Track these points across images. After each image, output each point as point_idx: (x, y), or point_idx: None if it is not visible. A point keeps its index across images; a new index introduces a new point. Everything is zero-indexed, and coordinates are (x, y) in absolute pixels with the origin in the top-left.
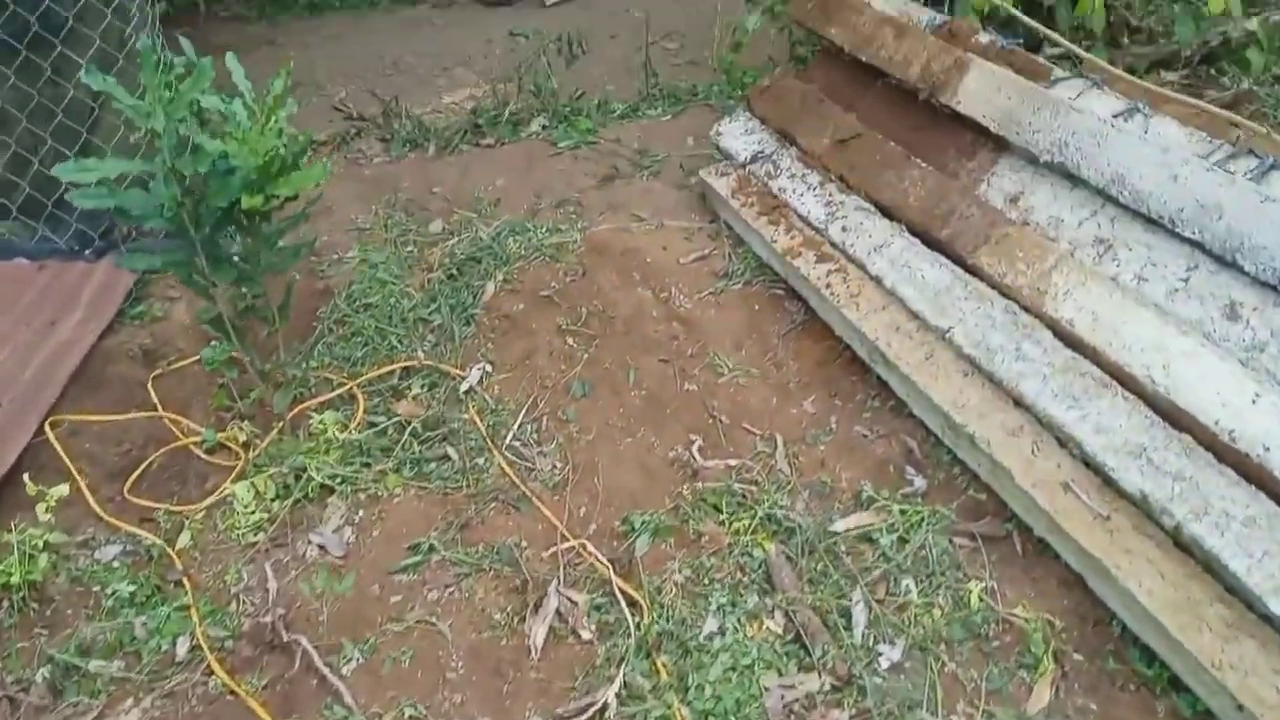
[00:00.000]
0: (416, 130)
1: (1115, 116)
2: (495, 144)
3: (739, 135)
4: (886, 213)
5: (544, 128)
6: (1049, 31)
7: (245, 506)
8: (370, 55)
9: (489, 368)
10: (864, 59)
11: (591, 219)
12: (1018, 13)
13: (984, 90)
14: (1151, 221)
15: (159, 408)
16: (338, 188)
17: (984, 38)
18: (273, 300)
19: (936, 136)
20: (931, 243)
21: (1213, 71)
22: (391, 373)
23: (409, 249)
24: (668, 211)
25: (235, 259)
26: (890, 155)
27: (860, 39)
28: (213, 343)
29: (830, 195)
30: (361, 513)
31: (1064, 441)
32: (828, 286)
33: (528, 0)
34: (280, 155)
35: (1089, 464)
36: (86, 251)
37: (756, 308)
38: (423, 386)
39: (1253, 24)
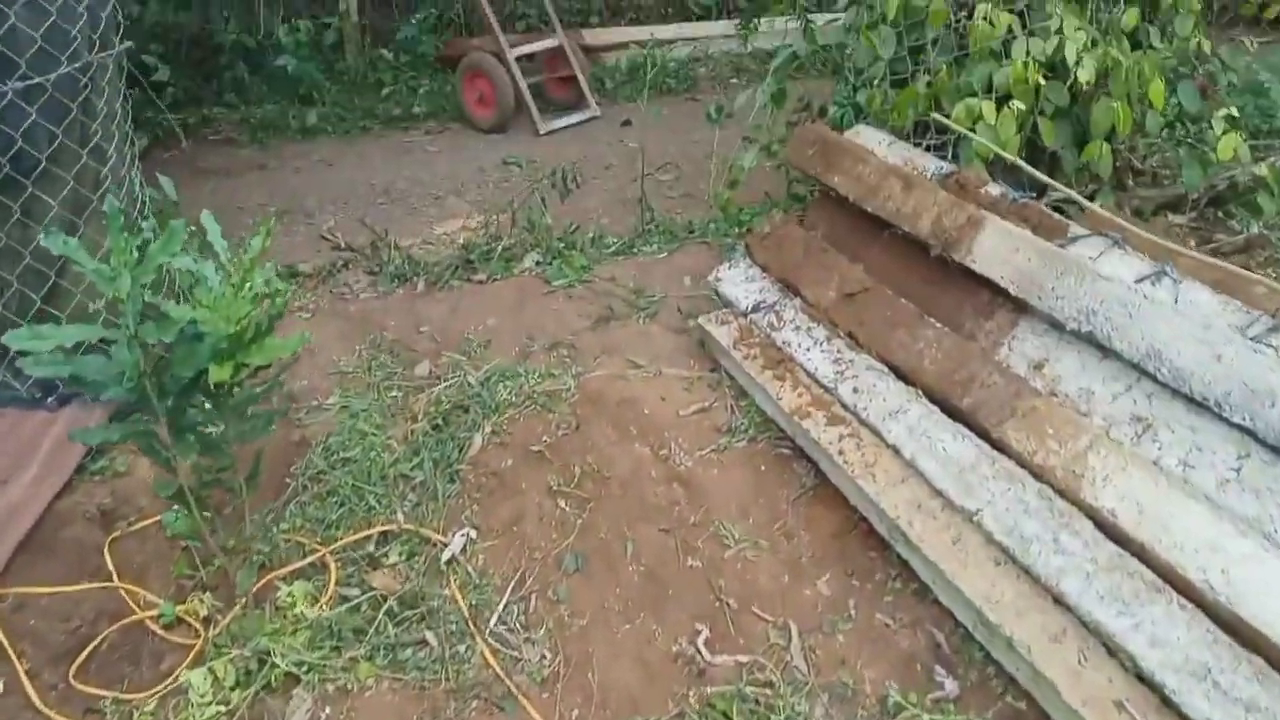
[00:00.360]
0: (405, 264)
1: (1142, 281)
2: (487, 280)
3: (739, 282)
4: (901, 375)
5: (537, 263)
6: (1052, 182)
7: (201, 696)
8: (361, 182)
9: (473, 533)
10: (869, 209)
11: (586, 364)
12: (1021, 162)
13: (1000, 250)
14: (1194, 401)
15: (114, 576)
16: (321, 326)
17: (994, 189)
18: (240, 469)
19: (950, 293)
20: (951, 411)
21: (1221, 214)
22: (368, 537)
23: (393, 394)
24: (666, 358)
25: (201, 429)
26: (901, 313)
27: (865, 189)
28: (175, 508)
29: (839, 352)
30: (329, 709)
31: (1114, 651)
32: (841, 453)
33: (522, 127)
34: (254, 323)
35: (1144, 680)
36: (49, 399)
37: (763, 468)
38: (401, 554)
39: (1261, 169)
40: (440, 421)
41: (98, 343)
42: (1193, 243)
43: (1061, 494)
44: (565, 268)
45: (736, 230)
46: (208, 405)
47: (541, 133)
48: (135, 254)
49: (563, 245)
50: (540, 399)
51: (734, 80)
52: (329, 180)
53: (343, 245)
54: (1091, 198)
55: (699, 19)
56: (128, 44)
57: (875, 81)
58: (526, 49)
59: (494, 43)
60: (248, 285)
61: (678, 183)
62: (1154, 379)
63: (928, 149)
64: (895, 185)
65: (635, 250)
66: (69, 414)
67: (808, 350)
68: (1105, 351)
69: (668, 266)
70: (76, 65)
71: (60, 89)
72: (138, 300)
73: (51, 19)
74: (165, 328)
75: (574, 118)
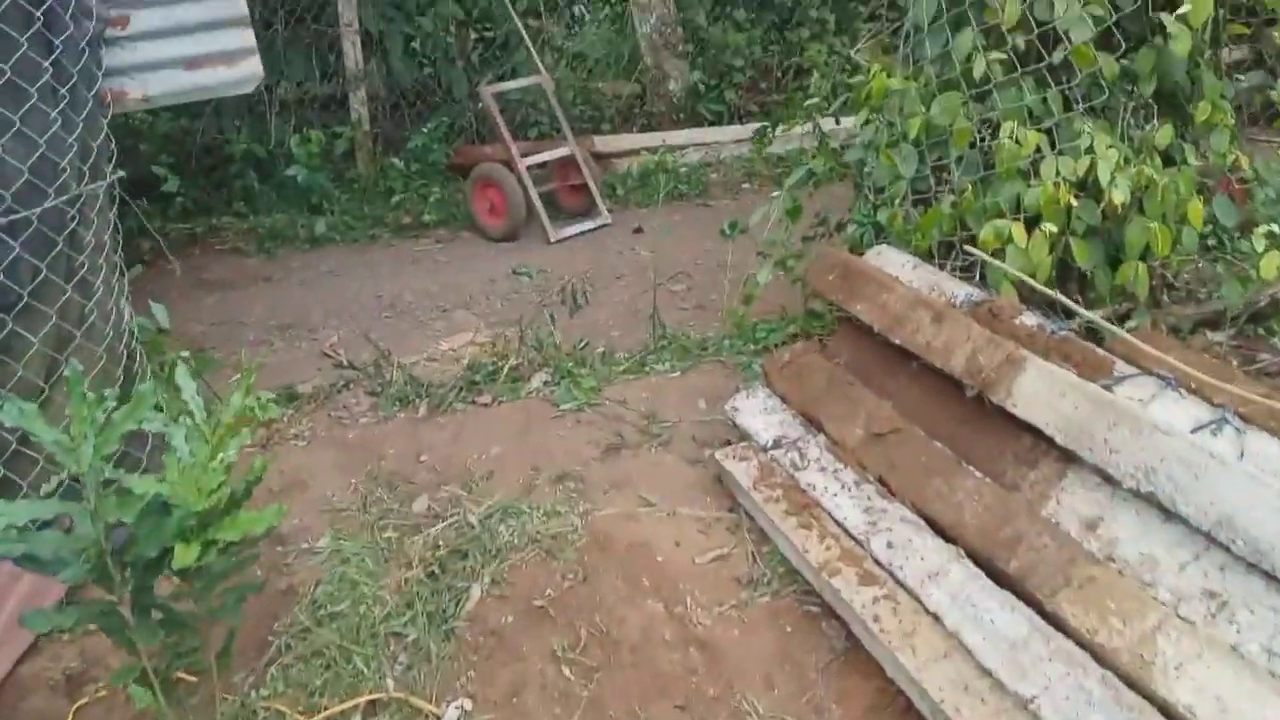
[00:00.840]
0: (408, 385)
1: (1201, 429)
2: (492, 402)
3: (758, 413)
4: (938, 529)
5: (545, 384)
6: (1091, 315)
7: None
8: (368, 294)
9: (468, 704)
10: (896, 341)
11: (595, 499)
12: (1062, 298)
13: (1043, 394)
14: (1275, 579)
15: None
16: (316, 455)
17: (1030, 320)
18: (212, 646)
19: (989, 436)
20: (997, 575)
21: (1261, 331)
22: (355, 707)
23: (388, 535)
24: (680, 494)
25: (166, 609)
26: (936, 458)
27: (891, 319)
28: None
29: (869, 499)
30: None
31: None
32: (876, 619)
33: (533, 235)
34: (228, 494)
35: None
36: None
37: (788, 629)
38: None
39: None
40: (436, 568)
41: None
42: (1235, 362)
43: (1128, 682)
44: (574, 389)
45: (752, 347)
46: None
47: (552, 241)
48: (101, 419)
49: (572, 364)
50: (545, 542)
51: (746, 185)
52: (335, 292)
53: (345, 363)
54: (1127, 316)
55: (710, 124)
56: (119, 173)
57: (896, 201)
58: (537, 158)
59: (505, 151)
60: (220, 456)
61: (690, 293)
62: (1226, 549)
63: (953, 271)
64: (924, 317)
65: (647, 369)
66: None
67: (835, 495)
68: (1168, 513)
69: (681, 387)
70: (64, 198)
71: (46, 222)
72: (99, 473)
73: (40, 150)
74: (127, 505)
75: (585, 225)
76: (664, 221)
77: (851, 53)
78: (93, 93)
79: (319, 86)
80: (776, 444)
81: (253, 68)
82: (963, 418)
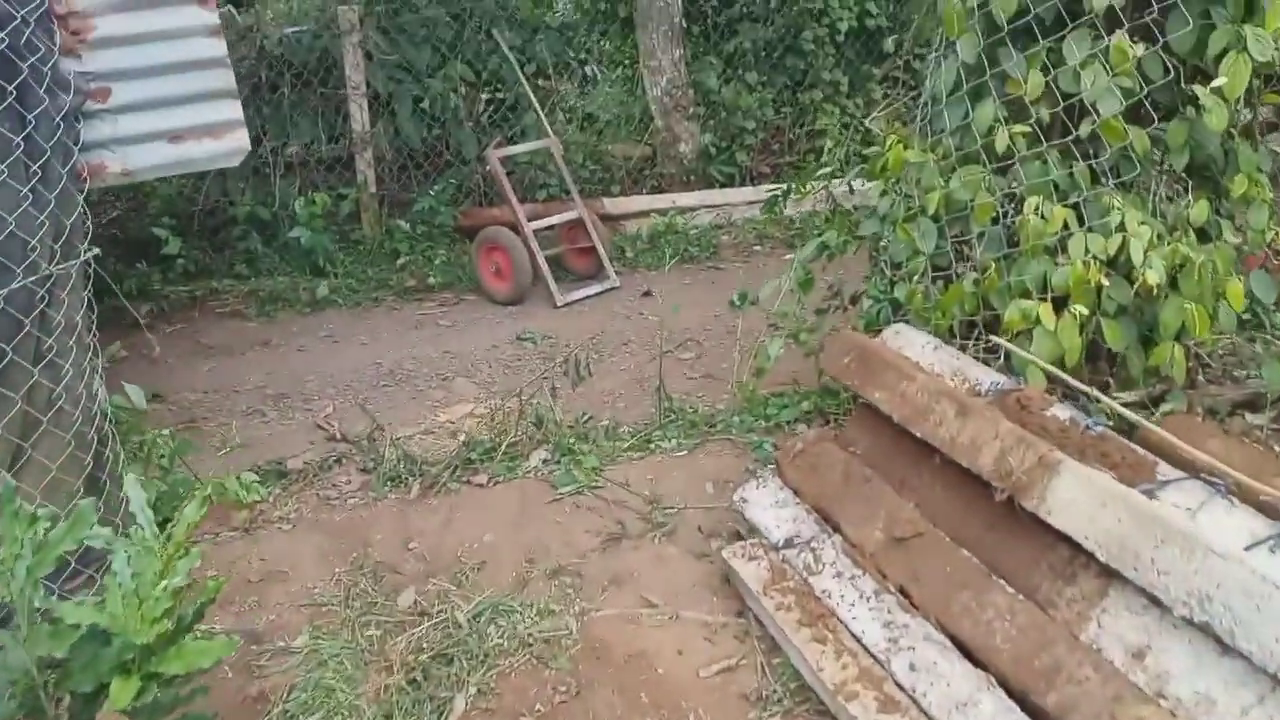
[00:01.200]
0: (401, 462)
1: (1257, 546)
2: (488, 483)
3: (768, 506)
4: (967, 651)
5: (544, 462)
6: (1127, 412)
7: None
8: (367, 360)
9: None
10: (918, 434)
11: (592, 596)
12: (1100, 395)
13: (1082, 503)
14: None
15: None
16: (300, 541)
17: (1061, 412)
18: None
19: (1020, 544)
20: (1033, 710)
21: None
22: None
23: (370, 633)
24: (684, 594)
25: None
26: (963, 569)
27: (912, 410)
28: None
29: (890, 613)
30: None
31: None
32: None
33: (539, 299)
34: (176, 621)
35: None
36: None
37: None
38: None
39: None
40: (419, 675)
41: None
42: (1277, 449)
43: None
44: (574, 469)
45: (763, 424)
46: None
47: (559, 305)
48: (34, 538)
49: (573, 439)
50: (537, 646)
51: (758, 248)
52: (333, 359)
53: (338, 436)
54: (1161, 399)
55: (722, 186)
56: (94, 250)
57: (915, 277)
58: (544, 222)
59: (511, 214)
60: (164, 583)
61: (699, 362)
62: None
63: (976, 352)
64: (948, 409)
65: (652, 445)
66: None
67: (852, 606)
68: (1226, 646)
69: (688, 468)
70: (33, 278)
71: (13, 304)
72: (31, 599)
73: (8, 229)
74: (61, 636)
75: (593, 289)
76: (672, 290)
77: (866, 121)
78: (68, 168)
79: (325, 148)
80: (789, 543)
81: (239, 140)
82: (991, 522)
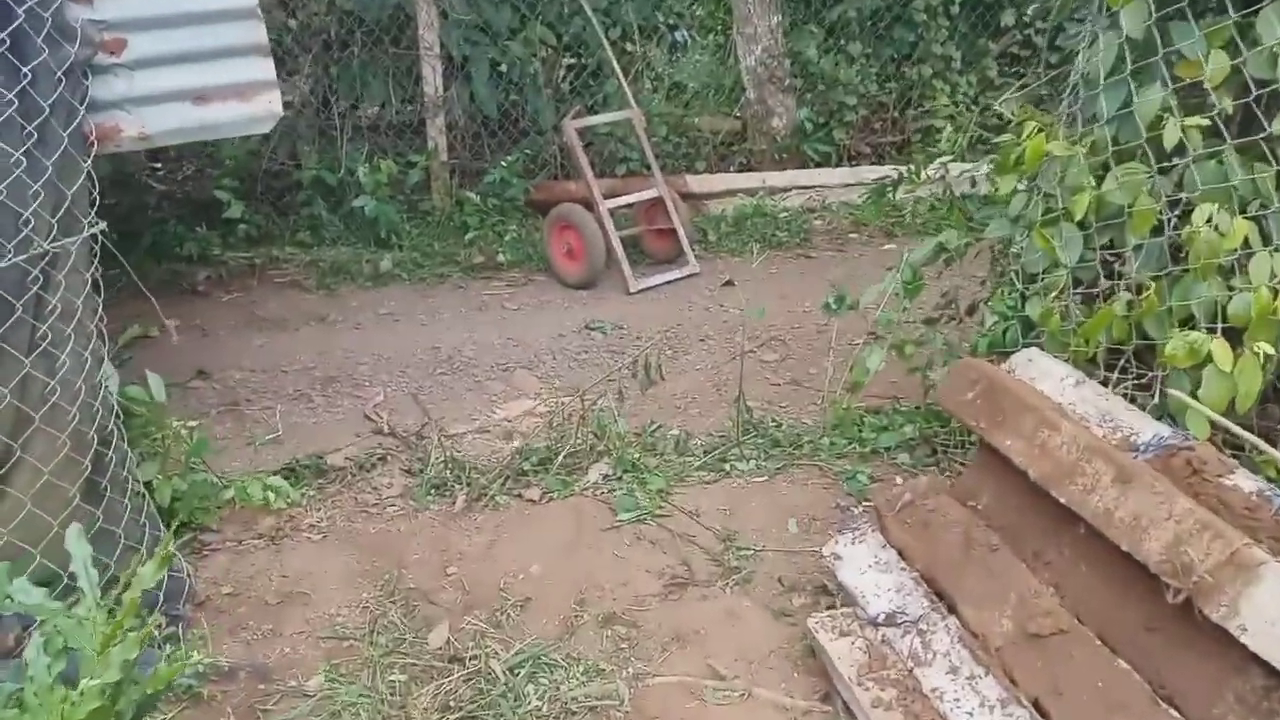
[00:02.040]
0: (448, 468)
1: None
2: (540, 499)
3: (866, 569)
4: None
5: (604, 478)
6: None
7: None
8: (425, 344)
9: None
10: (1061, 499)
11: (649, 656)
12: (1257, 440)
13: None
14: None
15: None
16: (329, 556)
17: (1245, 483)
18: None
19: (1195, 658)
20: None
21: None
22: None
23: (393, 678)
24: (759, 664)
25: None
26: (1120, 685)
27: (1055, 468)
28: None
29: None
30: None
31: None
32: None
33: (612, 283)
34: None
35: None
36: None
37: None
38: None
39: None
40: None
41: None
42: None
43: None
44: (637, 490)
45: (858, 450)
46: None
47: (632, 291)
48: None
49: (638, 452)
50: (581, 715)
51: (854, 235)
52: (390, 339)
53: (386, 429)
54: None
55: (816, 166)
56: (99, 224)
57: (1053, 293)
58: (621, 200)
59: (586, 190)
60: (91, 681)
61: (784, 365)
62: None
63: (1124, 388)
64: (1102, 472)
65: (727, 465)
66: None
67: (970, 715)
68: None
69: (767, 498)
70: (24, 256)
71: (3, 284)
72: None
73: None
74: None
75: (670, 275)
76: (758, 274)
77: (996, 104)
78: (71, 129)
79: (394, 112)
80: (890, 619)
81: (271, 104)
82: (1154, 622)
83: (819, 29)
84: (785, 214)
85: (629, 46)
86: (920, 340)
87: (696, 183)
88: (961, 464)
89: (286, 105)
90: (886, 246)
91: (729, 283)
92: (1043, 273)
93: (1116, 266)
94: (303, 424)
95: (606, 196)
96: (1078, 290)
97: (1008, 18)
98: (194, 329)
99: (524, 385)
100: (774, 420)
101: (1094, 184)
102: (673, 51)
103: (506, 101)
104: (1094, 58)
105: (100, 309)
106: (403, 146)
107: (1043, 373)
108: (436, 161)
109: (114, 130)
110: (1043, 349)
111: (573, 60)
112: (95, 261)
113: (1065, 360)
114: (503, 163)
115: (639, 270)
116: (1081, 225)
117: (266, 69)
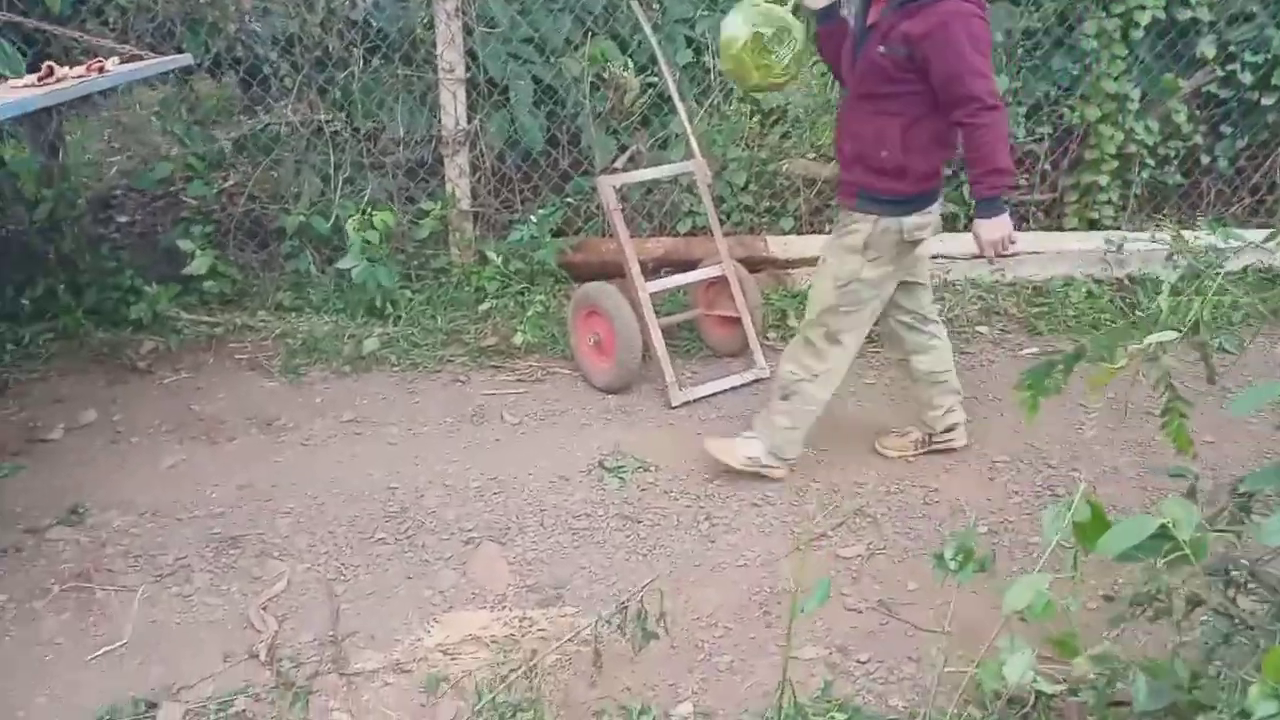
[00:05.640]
0: None
1: None
2: None
3: None
4: None
5: None
6: None
7: None
8: (381, 479)
9: None
10: None
11: None
12: None
13: None
14: None
15: None
16: None
17: None
18: None
19: None
20: None
21: None
22: None
23: None
24: None
25: None
26: None
27: None
28: None
29: None
30: None
31: None
32: None
33: (651, 384)
34: None
35: None
36: None
37: None
38: None
39: None
40: None
41: None
42: None
43: None
44: None
45: None
46: None
47: (675, 405)
48: None
49: None
50: None
51: (983, 329)
52: (337, 470)
53: (264, 654)
54: None
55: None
56: None
57: None
58: (666, 284)
59: (626, 263)
60: None
61: (870, 566)
62: None
63: None
64: None
65: None
66: None
67: None
68: None
69: None
70: None
71: None
72: None
73: None
74: None
75: (729, 380)
76: (846, 382)
77: None
78: None
79: (403, 148)
80: None
81: None
82: None
83: None
84: None
85: (708, 60)
86: (1110, 596)
87: (779, 246)
88: None
89: (272, 134)
90: (1026, 351)
91: None
92: None
93: None
94: (164, 625)
95: (662, 261)
96: None
97: (1206, 47)
98: (105, 428)
99: (485, 579)
100: (851, 706)
101: None
102: None
103: (552, 132)
104: None
105: None
106: (414, 190)
107: None
108: (455, 210)
109: None
110: None
111: (644, 84)
112: None
113: None
114: (533, 216)
115: (690, 367)
116: None
117: None
